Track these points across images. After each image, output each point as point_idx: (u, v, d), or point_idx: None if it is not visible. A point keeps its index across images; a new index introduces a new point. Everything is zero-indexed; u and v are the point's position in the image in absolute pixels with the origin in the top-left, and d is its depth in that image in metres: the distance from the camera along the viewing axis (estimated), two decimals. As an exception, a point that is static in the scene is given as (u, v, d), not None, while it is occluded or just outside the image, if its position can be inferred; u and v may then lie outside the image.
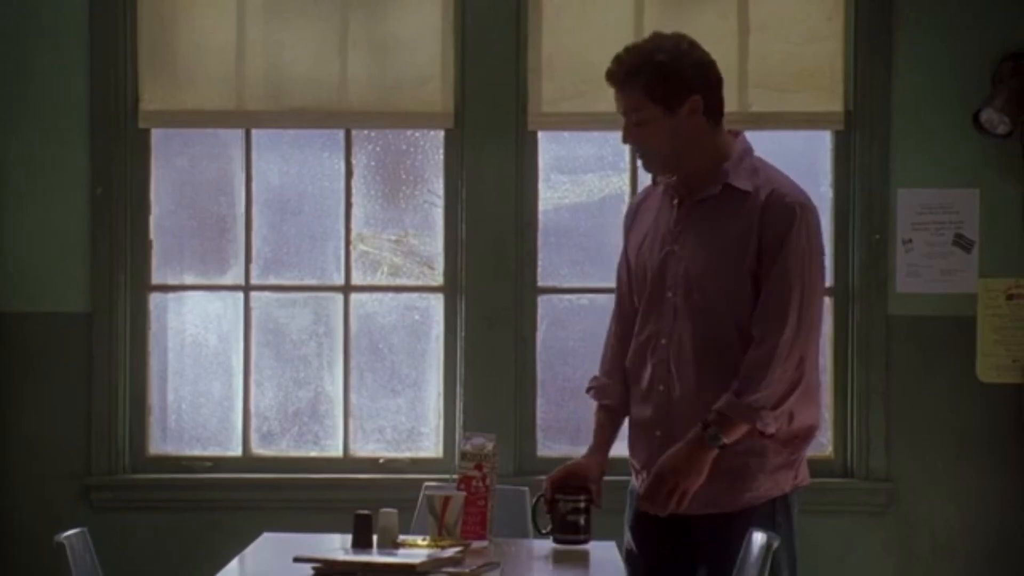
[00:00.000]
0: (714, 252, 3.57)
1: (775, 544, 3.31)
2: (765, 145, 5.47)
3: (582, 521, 3.61)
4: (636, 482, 3.72)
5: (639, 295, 3.72)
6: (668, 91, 3.55)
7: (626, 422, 3.80)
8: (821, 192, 5.55)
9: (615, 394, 3.77)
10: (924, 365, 5.48)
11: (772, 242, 3.52)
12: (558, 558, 3.57)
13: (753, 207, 3.55)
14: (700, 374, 3.57)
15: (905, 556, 5.47)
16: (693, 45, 3.65)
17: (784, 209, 3.54)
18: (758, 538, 3.39)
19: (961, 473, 5.47)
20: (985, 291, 5.47)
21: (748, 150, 3.69)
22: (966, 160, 5.46)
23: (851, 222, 5.49)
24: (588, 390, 3.85)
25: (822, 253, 3.64)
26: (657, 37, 3.67)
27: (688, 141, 3.58)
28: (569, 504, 3.61)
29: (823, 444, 5.53)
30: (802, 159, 5.58)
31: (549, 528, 3.66)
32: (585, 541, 3.61)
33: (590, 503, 3.63)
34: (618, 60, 3.61)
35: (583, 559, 3.62)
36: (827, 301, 5.51)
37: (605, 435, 3.77)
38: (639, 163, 3.73)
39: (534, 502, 3.73)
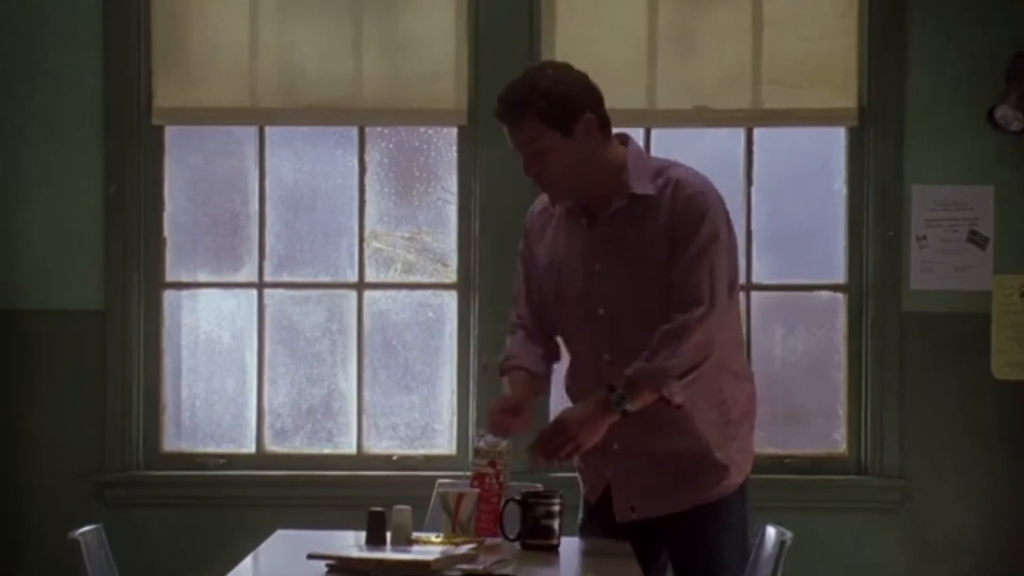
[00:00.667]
0: (638, 264, 3.58)
1: (787, 540, 3.31)
2: (778, 142, 5.56)
3: (555, 526, 3.57)
4: (585, 489, 3.77)
5: (554, 312, 3.73)
6: (561, 115, 3.53)
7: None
8: (835, 189, 5.55)
9: (532, 361, 3.75)
10: (938, 362, 5.46)
11: (681, 230, 3.53)
12: (571, 553, 3.56)
13: (661, 206, 3.56)
14: None
15: (918, 553, 5.45)
16: (568, 68, 3.65)
17: (688, 199, 3.55)
18: (771, 534, 3.39)
19: (975, 470, 5.45)
20: (1000, 288, 5.45)
21: (639, 154, 3.67)
22: (980, 157, 5.45)
23: (865, 219, 5.48)
24: (504, 361, 3.80)
25: (730, 236, 3.63)
26: (532, 70, 3.67)
27: (588, 160, 3.57)
28: (542, 508, 3.55)
29: (837, 441, 5.53)
30: (816, 156, 5.59)
31: (517, 533, 3.58)
32: (558, 545, 3.58)
33: (563, 506, 3.59)
34: (503, 99, 3.59)
35: (597, 553, 3.62)
36: (841, 298, 5.53)
37: (523, 387, 3.73)
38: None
39: (504, 504, 3.61)
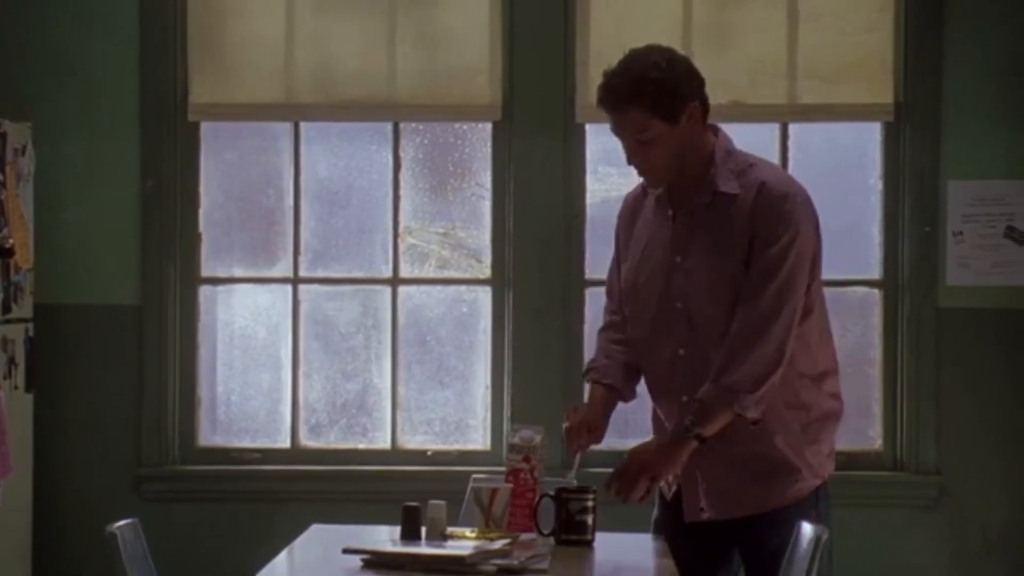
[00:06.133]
0: (717, 260, 3.56)
1: (824, 537, 3.30)
2: (814, 137, 5.54)
3: (590, 521, 3.56)
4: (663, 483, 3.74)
5: (633, 303, 3.71)
6: (670, 104, 3.52)
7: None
8: (870, 184, 5.53)
9: (613, 374, 3.74)
10: (974, 358, 5.44)
11: (762, 232, 3.52)
12: (606, 550, 3.56)
13: (744, 206, 3.54)
14: None
15: (955, 550, 5.43)
16: (674, 53, 3.60)
17: (772, 200, 3.53)
18: (807, 530, 3.38)
19: (1012, 466, 5.43)
20: (1036, 283, 5.43)
21: (730, 149, 3.64)
22: (1017, 152, 5.42)
23: (901, 214, 5.46)
24: (587, 371, 3.80)
25: (816, 237, 3.62)
26: (638, 57, 3.57)
27: (689, 147, 3.58)
28: (576, 504, 3.54)
29: (872, 437, 5.51)
30: (851, 151, 5.56)
31: (551, 529, 3.56)
32: (592, 540, 3.58)
33: (597, 502, 3.59)
34: (611, 88, 3.54)
35: (630, 549, 3.61)
36: (877, 293, 5.51)
37: (604, 409, 3.73)
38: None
39: (538, 500, 3.59)
